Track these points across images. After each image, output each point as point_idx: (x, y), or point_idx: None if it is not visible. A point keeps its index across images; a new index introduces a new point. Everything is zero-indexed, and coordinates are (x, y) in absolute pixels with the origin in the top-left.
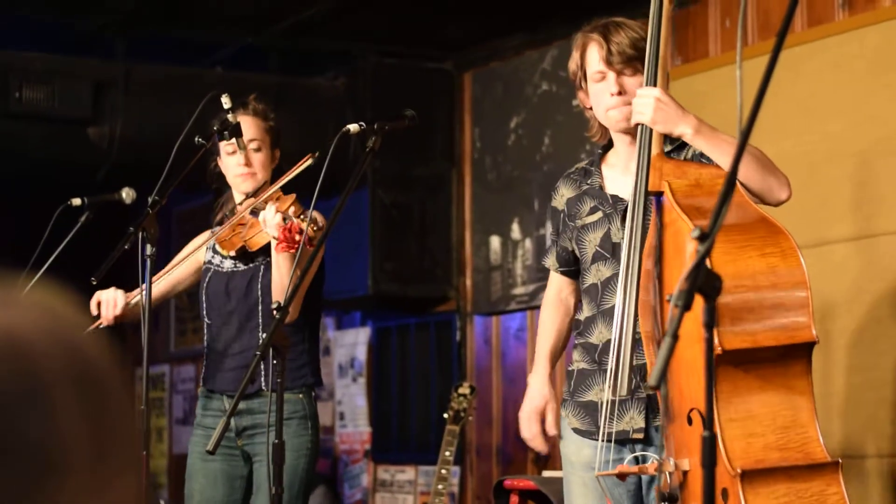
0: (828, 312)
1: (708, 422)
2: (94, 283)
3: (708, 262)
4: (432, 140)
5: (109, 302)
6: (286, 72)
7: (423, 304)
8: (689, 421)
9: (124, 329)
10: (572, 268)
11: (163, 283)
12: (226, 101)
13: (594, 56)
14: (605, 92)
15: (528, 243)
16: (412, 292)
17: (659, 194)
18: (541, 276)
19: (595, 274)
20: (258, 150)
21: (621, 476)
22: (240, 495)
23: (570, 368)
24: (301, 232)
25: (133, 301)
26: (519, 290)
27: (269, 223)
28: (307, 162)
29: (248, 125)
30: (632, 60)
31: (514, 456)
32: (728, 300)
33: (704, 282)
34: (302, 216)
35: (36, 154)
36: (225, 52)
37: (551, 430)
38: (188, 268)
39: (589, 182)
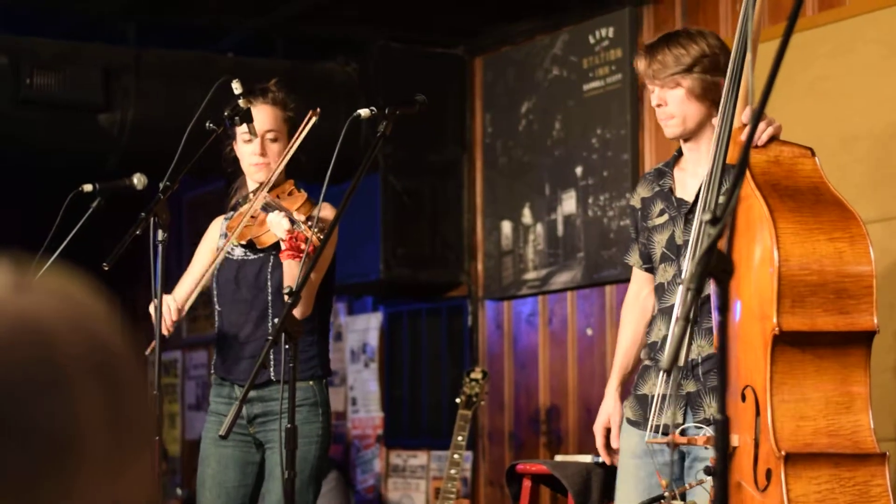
0: None
1: (721, 406)
2: (106, 268)
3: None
4: (443, 125)
5: (166, 311)
6: (297, 57)
7: (434, 289)
8: (743, 398)
9: (136, 314)
10: (652, 264)
11: (189, 280)
12: (236, 87)
13: (641, 70)
14: (653, 104)
15: (539, 228)
16: (424, 277)
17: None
18: (552, 260)
19: (662, 274)
20: (275, 140)
21: (672, 445)
22: (252, 481)
23: (641, 365)
24: (307, 241)
25: (187, 305)
26: (530, 275)
27: (276, 230)
28: (312, 120)
29: (267, 115)
30: (673, 75)
31: (526, 441)
32: (792, 281)
33: (716, 265)
34: (310, 221)
35: (47, 140)
36: (236, 37)
37: (614, 444)
38: (210, 257)
39: (661, 184)
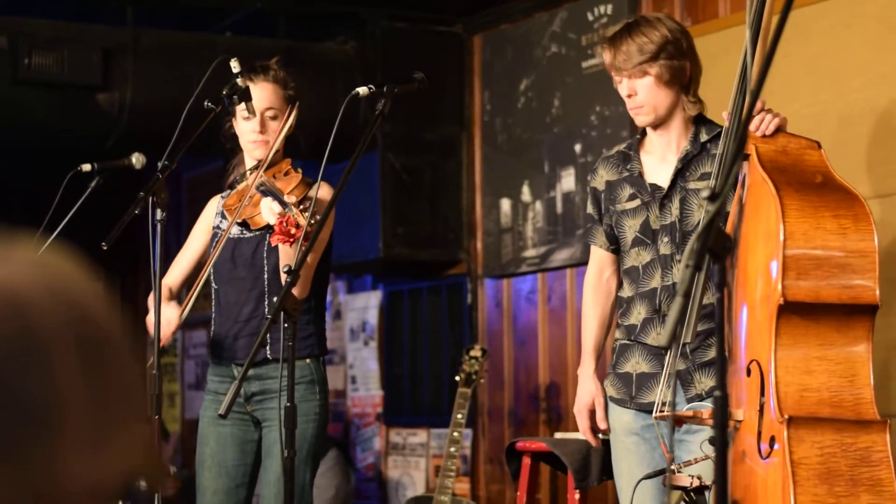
0: None
1: (720, 383)
2: (105, 248)
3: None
4: (442, 103)
5: (164, 324)
6: (296, 36)
7: (434, 267)
8: (748, 372)
9: (136, 294)
10: (618, 245)
11: (187, 259)
12: (235, 66)
13: (607, 62)
14: (622, 94)
15: (538, 206)
16: (423, 255)
17: (745, 156)
18: (551, 238)
19: (635, 257)
20: (274, 117)
21: (678, 422)
22: (251, 459)
23: (614, 344)
24: (297, 226)
25: (185, 312)
26: (530, 253)
27: (267, 217)
28: (282, 134)
29: (268, 92)
30: (640, 64)
31: (525, 418)
32: (797, 254)
33: (714, 242)
34: (302, 206)
35: (45, 121)
36: (234, 16)
37: (601, 424)
38: (207, 236)
39: (629, 168)
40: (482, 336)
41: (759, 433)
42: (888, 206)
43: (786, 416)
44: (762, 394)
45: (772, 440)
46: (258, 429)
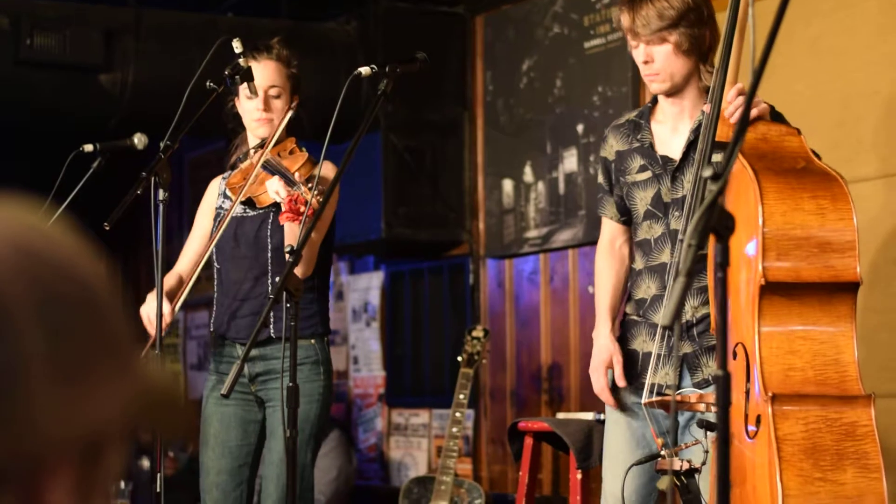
0: None
1: (722, 361)
2: (107, 228)
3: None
4: (444, 84)
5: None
6: (298, 16)
7: (436, 247)
8: (734, 355)
9: (138, 274)
10: (629, 216)
11: (194, 246)
12: (237, 46)
13: (625, 26)
14: (638, 60)
15: (540, 186)
16: (425, 236)
17: (723, 145)
18: (553, 218)
19: (647, 230)
20: (278, 96)
21: (665, 407)
22: (254, 439)
23: (622, 319)
24: (306, 203)
25: (179, 304)
26: (532, 233)
27: (273, 196)
28: (288, 114)
29: (271, 70)
30: (659, 31)
31: (527, 398)
32: (776, 236)
33: (718, 221)
34: (310, 183)
35: (48, 101)
36: None
37: (620, 382)
38: (211, 219)
39: (639, 139)
40: (484, 317)
41: (746, 415)
42: (893, 186)
43: (770, 394)
44: (748, 378)
45: (758, 420)
46: (262, 409)
